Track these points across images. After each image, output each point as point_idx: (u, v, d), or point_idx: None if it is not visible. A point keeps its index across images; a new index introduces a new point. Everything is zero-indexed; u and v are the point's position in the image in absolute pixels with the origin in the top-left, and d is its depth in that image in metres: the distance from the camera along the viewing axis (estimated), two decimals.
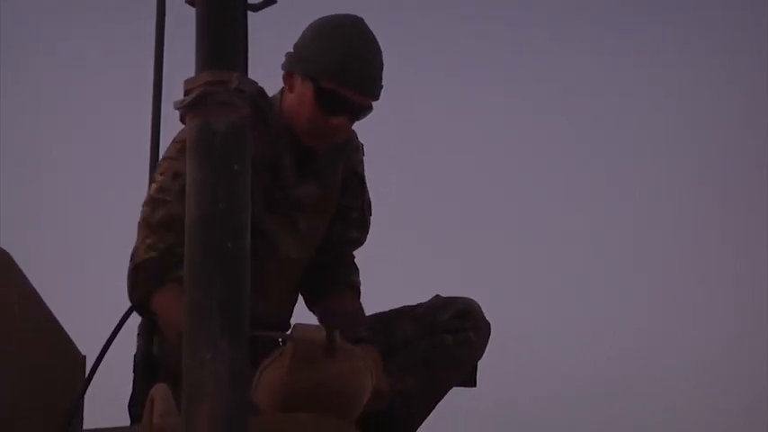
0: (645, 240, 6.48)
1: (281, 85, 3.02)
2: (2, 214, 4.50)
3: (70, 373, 2.87)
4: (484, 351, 3.07)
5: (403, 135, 6.11)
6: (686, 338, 6.08)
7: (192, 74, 1.83)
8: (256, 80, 1.83)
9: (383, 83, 2.95)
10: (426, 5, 6.49)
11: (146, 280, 2.82)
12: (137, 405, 2.87)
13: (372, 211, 3.20)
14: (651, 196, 6.57)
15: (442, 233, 6.29)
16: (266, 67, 2.98)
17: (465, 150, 6.57)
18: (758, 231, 6.04)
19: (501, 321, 3.10)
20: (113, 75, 6.08)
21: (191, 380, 1.72)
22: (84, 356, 2.96)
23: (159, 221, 2.85)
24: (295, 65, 2.97)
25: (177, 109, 1.84)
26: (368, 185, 3.20)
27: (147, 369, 2.97)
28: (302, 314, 3.15)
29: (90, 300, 4.62)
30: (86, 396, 2.45)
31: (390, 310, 3.12)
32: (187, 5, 1.87)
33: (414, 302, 3.12)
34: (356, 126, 3.14)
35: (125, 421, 2.91)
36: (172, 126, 3.12)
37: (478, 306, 3.06)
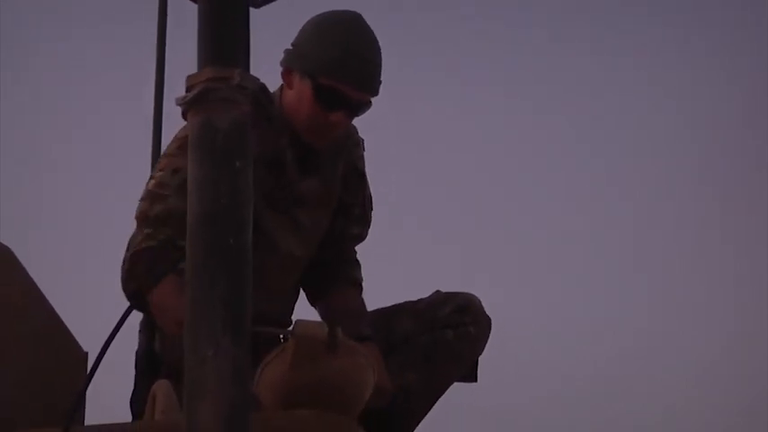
0: (645, 240, 6.49)
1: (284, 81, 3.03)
2: (2, 214, 4.51)
3: (72, 370, 2.87)
4: (485, 346, 3.07)
5: (403, 135, 6.12)
6: (686, 338, 6.08)
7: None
8: (258, 76, 1.84)
9: (382, 78, 2.95)
10: (426, 5, 6.49)
11: (144, 270, 2.80)
12: (139, 401, 2.88)
13: (374, 206, 3.21)
14: (651, 196, 6.57)
15: (442, 233, 6.29)
16: (268, 63, 2.99)
17: (465, 150, 6.57)
18: (758, 231, 6.05)
19: (501, 321, 3.10)
20: (113, 75, 6.09)
21: (192, 376, 1.72)
22: (87, 353, 2.97)
23: (157, 215, 2.85)
24: (293, 61, 2.97)
25: (179, 105, 1.84)
26: (369, 183, 3.20)
27: (149, 365, 2.98)
28: (304, 311, 3.17)
29: (92, 297, 4.62)
30: (88, 392, 2.45)
31: (391, 306, 3.13)
32: (188, 4, 1.88)
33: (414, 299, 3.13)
34: (357, 125, 3.16)
35: (127, 417, 2.92)
36: (173, 126, 3.13)
37: (479, 301, 3.07)
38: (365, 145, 3.19)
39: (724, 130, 6.44)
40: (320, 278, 3.16)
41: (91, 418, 2.75)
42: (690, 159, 6.44)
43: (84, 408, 2.72)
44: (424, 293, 3.13)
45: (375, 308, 3.15)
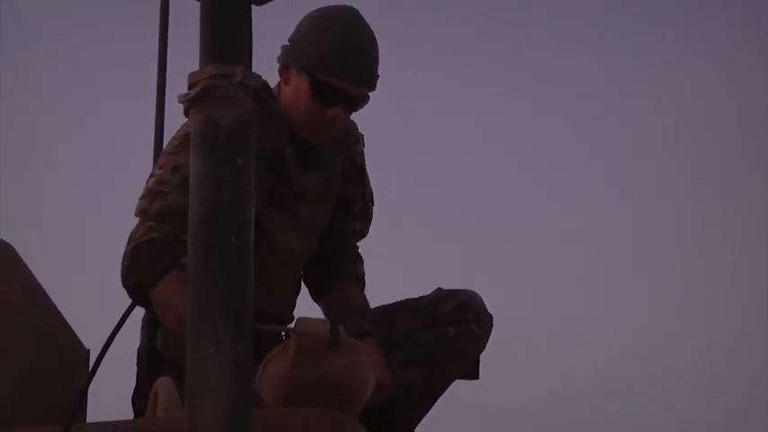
0: (645, 240, 6.49)
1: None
2: (3, 214, 4.51)
3: (74, 367, 2.87)
4: (486, 343, 3.07)
5: (403, 135, 6.12)
6: (686, 338, 6.09)
7: None
8: (260, 74, 1.84)
9: (379, 73, 2.95)
10: (426, 5, 6.50)
11: (145, 263, 2.79)
12: (140, 398, 2.88)
13: (375, 201, 3.20)
14: (651, 196, 6.58)
15: (442, 233, 6.29)
16: (270, 61, 3.00)
17: (465, 150, 6.57)
18: (758, 231, 6.05)
19: (501, 321, 3.10)
20: (114, 75, 6.10)
21: (194, 373, 1.72)
22: (88, 350, 2.97)
23: (157, 212, 2.84)
24: (290, 58, 2.97)
25: (181, 102, 1.85)
26: (369, 178, 3.20)
27: (151, 362, 2.98)
28: (305, 308, 3.17)
29: (93, 294, 4.63)
30: (90, 390, 2.45)
31: (392, 303, 3.12)
32: (190, 3, 1.88)
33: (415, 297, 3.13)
34: (357, 123, 3.16)
35: (129, 415, 2.92)
36: (175, 125, 3.13)
37: (480, 298, 3.06)
38: (365, 140, 3.19)
39: (724, 130, 6.45)
40: (322, 273, 3.16)
41: (92, 415, 2.76)
42: (690, 159, 6.45)
43: (86, 405, 2.73)
44: (424, 292, 3.13)
45: (376, 306, 3.15)
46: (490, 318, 3.06)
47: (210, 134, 1.80)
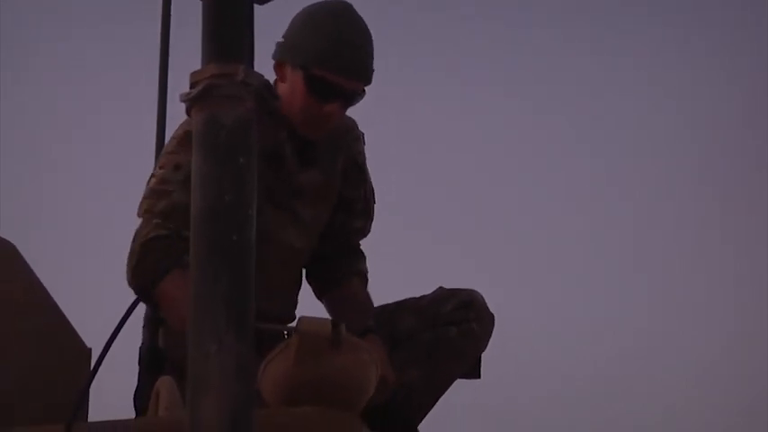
0: (645, 240, 6.49)
1: None
2: (3, 213, 4.51)
3: (75, 366, 2.88)
4: (488, 342, 3.07)
5: (403, 135, 6.12)
6: (686, 338, 6.08)
7: None
8: (263, 73, 1.84)
9: (375, 67, 2.95)
10: (426, 5, 6.49)
11: (154, 260, 2.79)
12: (142, 397, 2.88)
13: (376, 199, 3.20)
14: (651, 196, 6.57)
15: (442, 233, 6.29)
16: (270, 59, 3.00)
17: (465, 150, 6.57)
18: (758, 231, 6.05)
19: (501, 321, 3.10)
20: (114, 75, 6.10)
21: (196, 372, 1.72)
22: (90, 349, 2.98)
23: (163, 210, 2.85)
24: (285, 54, 2.97)
25: (183, 101, 1.85)
26: (370, 176, 3.20)
27: (153, 361, 2.98)
28: (305, 308, 3.17)
29: (95, 293, 4.63)
30: (91, 389, 2.46)
31: (393, 303, 3.13)
32: (191, 4, 1.88)
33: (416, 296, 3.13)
34: (358, 122, 3.16)
35: (130, 414, 2.93)
36: (176, 125, 3.13)
37: (482, 297, 3.06)
38: (365, 139, 3.19)
39: (724, 130, 6.44)
40: (325, 271, 3.16)
41: (94, 414, 2.76)
42: (690, 159, 6.44)
43: (88, 404, 2.73)
44: (424, 292, 3.13)
45: (377, 305, 3.15)
46: (492, 317, 3.06)
47: (212, 133, 1.79)
